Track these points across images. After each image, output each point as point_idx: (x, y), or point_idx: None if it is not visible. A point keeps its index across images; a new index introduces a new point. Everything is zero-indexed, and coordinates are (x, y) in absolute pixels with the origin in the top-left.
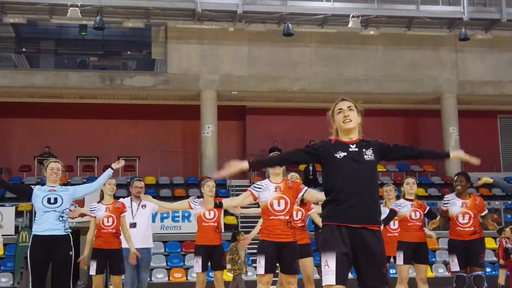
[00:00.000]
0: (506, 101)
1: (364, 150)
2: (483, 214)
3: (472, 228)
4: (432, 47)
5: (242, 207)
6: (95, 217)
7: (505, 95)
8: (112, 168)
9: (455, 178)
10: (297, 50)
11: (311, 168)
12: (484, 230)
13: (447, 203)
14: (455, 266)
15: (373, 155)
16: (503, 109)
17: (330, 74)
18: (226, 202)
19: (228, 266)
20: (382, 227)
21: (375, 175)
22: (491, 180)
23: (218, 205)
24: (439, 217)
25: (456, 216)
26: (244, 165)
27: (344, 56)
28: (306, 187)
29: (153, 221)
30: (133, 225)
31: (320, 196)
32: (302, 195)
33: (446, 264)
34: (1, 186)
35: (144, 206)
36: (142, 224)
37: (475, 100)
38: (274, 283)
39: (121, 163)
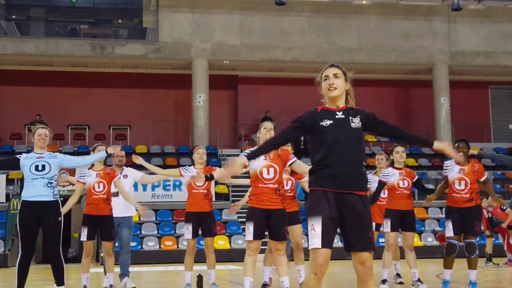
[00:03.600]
0: (497, 71)
1: (351, 118)
2: (482, 179)
3: (468, 195)
4: (424, 17)
5: (232, 177)
6: (84, 183)
7: (497, 65)
8: (106, 152)
9: (456, 145)
10: (289, 20)
11: (302, 138)
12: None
13: (446, 169)
14: (449, 232)
15: (360, 123)
16: (495, 79)
17: (323, 43)
18: (217, 174)
19: None
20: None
21: (362, 142)
22: (475, 152)
23: (209, 178)
24: (438, 187)
25: (453, 182)
26: (243, 160)
27: (337, 26)
28: (295, 158)
29: (144, 189)
30: (115, 194)
31: (307, 169)
32: (290, 165)
33: (435, 233)
34: None
35: (125, 176)
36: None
37: (467, 70)
38: (262, 251)
39: (118, 148)
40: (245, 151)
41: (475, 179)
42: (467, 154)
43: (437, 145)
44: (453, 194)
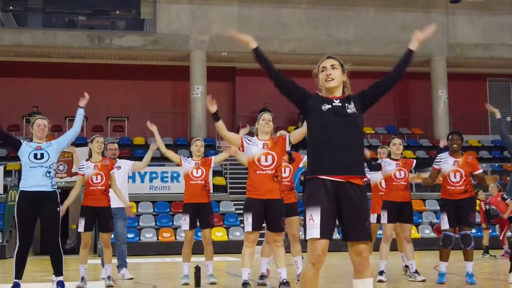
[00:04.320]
0: (495, 64)
1: (346, 104)
2: (476, 172)
3: (462, 187)
4: (423, 9)
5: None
6: (83, 174)
7: (494, 58)
8: (80, 106)
9: (449, 137)
10: (287, 11)
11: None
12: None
13: (440, 161)
14: (444, 224)
15: (355, 108)
16: (493, 72)
17: (320, 35)
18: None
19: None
20: (368, 171)
21: (359, 127)
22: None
23: (216, 116)
24: (428, 174)
25: (448, 174)
26: (253, 43)
27: (335, 18)
28: (288, 134)
29: (142, 181)
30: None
31: (302, 130)
32: (289, 141)
33: (432, 225)
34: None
35: (119, 167)
36: (117, 184)
37: (465, 63)
38: (260, 243)
39: (86, 96)
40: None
41: (469, 171)
42: (460, 146)
43: (412, 45)
44: (448, 187)
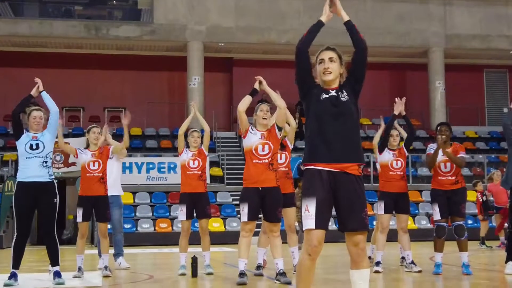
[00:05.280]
0: (493, 55)
1: (339, 93)
2: (458, 156)
3: (454, 177)
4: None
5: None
6: (77, 155)
7: (492, 49)
8: (40, 92)
9: (438, 128)
10: (284, 1)
11: (297, 121)
12: (467, 182)
13: (431, 150)
14: (436, 215)
15: (347, 95)
16: (490, 63)
17: None
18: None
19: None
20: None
21: (354, 114)
22: None
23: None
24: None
25: (438, 165)
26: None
27: None
28: (273, 121)
29: (139, 172)
30: None
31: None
32: (277, 127)
33: (429, 216)
34: (19, 109)
35: (111, 156)
36: (111, 173)
37: (462, 54)
38: (257, 234)
39: (38, 81)
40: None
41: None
42: (449, 137)
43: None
44: (439, 177)
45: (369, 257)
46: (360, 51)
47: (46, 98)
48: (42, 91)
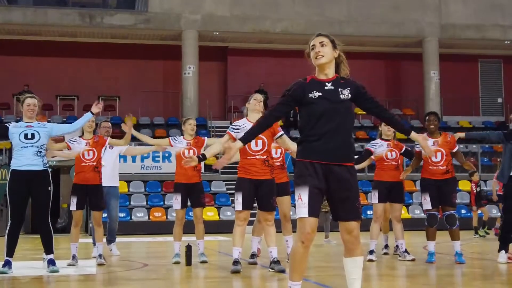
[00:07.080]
0: (487, 45)
1: (340, 89)
2: (454, 150)
3: (444, 167)
4: None
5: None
6: (70, 147)
7: (486, 39)
8: (92, 113)
9: (427, 118)
10: None
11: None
12: (462, 172)
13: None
14: (427, 205)
15: (349, 95)
16: (484, 53)
17: (312, 15)
18: (208, 153)
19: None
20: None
21: (350, 114)
22: (462, 135)
23: (202, 159)
24: (412, 161)
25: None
26: (239, 145)
27: None
28: (282, 132)
29: (133, 161)
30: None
31: (292, 146)
32: (276, 138)
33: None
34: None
35: (111, 146)
36: (109, 163)
37: (457, 43)
38: (251, 223)
39: (100, 105)
40: (236, 133)
41: (449, 149)
42: (437, 126)
43: (413, 135)
44: (430, 167)
45: (386, 245)
46: (382, 118)
47: (85, 118)
48: (92, 114)
